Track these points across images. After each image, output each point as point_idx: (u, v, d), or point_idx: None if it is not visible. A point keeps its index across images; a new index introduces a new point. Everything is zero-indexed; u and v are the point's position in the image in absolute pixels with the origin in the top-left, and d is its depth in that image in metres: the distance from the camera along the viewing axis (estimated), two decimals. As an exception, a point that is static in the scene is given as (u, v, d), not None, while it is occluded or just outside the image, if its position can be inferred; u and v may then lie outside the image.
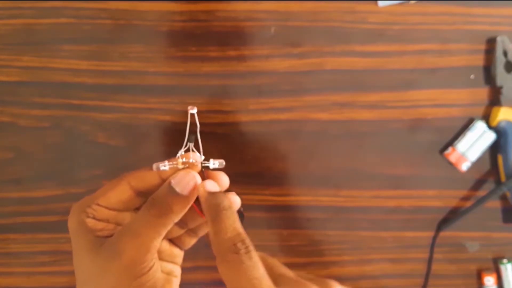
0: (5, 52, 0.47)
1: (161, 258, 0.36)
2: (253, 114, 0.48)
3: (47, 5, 0.47)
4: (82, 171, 0.48)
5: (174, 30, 0.47)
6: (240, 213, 0.34)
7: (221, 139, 0.48)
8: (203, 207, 0.32)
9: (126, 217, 0.34)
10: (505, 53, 0.47)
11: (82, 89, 0.47)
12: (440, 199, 0.49)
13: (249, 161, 0.48)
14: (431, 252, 0.49)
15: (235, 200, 0.33)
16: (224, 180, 0.34)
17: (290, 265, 0.50)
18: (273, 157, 0.48)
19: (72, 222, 0.32)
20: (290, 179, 0.49)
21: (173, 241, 0.37)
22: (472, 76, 0.48)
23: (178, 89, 0.47)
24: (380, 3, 0.47)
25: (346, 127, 0.48)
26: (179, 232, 0.36)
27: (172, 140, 0.48)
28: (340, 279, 0.50)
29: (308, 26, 0.47)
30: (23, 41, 0.47)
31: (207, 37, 0.47)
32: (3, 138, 0.48)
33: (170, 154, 0.48)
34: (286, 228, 0.49)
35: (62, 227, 0.48)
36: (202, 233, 0.37)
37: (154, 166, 0.32)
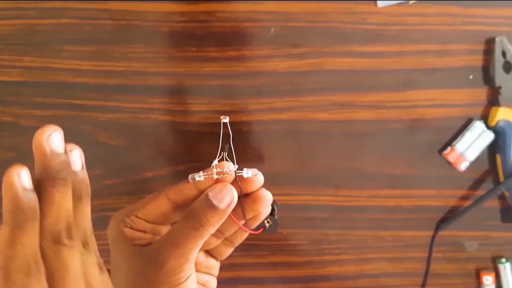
0: (7, 52, 0.47)
1: (197, 270, 0.37)
2: (253, 114, 0.48)
3: (49, 6, 0.47)
4: (83, 170, 0.48)
5: (175, 31, 0.47)
6: (272, 207, 0.35)
7: (221, 139, 0.48)
8: None
9: (163, 228, 0.35)
10: (503, 54, 0.47)
11: (83, 89, 0.48)
12: (439, 198, 0.49)
13: (249, 161, 0.48)
14: (430, 251, 0.50)
15: (267, 195, 0.35)
16: (259, 179, 0.35)
17: (290, 265, 0.50)
18: (273, 157, 0.49)
19: (111, 231, 0.34)
20: (290, 179, 0.49)
21: (209, 252, 0.38)
22: (471, 77, 0.48)
23: (179, 89, 0.48)
24: (379, 4, 0.47)
25: (345, 127, 0.48)
26: (215, 242, 0.37)
27: (173, 140, 0.48)
28: (339, 278, 0.51)
29: (308, 27, 0.47)
30: (25, 41, 0.47)
31: (208, 37, 0.47)
32: (4, 138, 0.48)
33: (171, 154, 0.49)
34: (286, 227, 0.50)
35: (63, 226, 0.49)
36: (238, 242, 0.38)
37: (190, 177, 0.33)
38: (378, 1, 0.47)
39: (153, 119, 0.48)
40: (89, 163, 0.49)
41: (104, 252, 0.34)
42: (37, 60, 0.47)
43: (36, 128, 0.49)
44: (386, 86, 0.48)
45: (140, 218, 0.34)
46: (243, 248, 0.49)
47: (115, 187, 0.49)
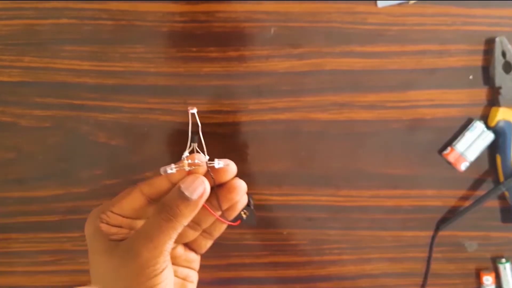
0: (7, 52, 0.47)
1: (177, 263, 0.37)
2: (253, 114, 0.48)
3: (48, 6, 0.47)
4: (83, 171, 0.49)
5: (175, 31, 0.47)
6: (248, 200, 0.35)
7: (221, 139, 0.48)
8: None
9: (139, 222, 0.35)
10: (503, 54, 0.47)
11: (83, 90, 0.48)
12: (439, 198, 0.49)
13: (249, 161, 0.49)
14: (430, 251, 0.50)
15: (241, 184, 0.35)
16: (232, 168, 0.35)
17: (290, 265, 0.50)
18: (273, 157, 0.49)
19: (88, 227, 0.34)
20: (290, 179, 0.49)
21: (189, 245, 0.38)
22: (471, 77, 0.48)
23: (179, 89, 0.48)
24: (379, 4, 0.47)
25: (345, 127, 0.48)
26: (194, 235, 0.37)
27: (173, 140, 0.48)
28: (339, 278, 0.51)
29: (308, 27, 0.47)
30: (25, 41, 0.47)
31: (208, 37, 0.47)
32: (4, 138, 0.48)
33: (171, 154, 0.49)
34: (286, 227, 0.50)
35: (63, 226, 0.49)
36: (217, 233, 0.38)
37: (162, 169, 0.33)
38: (378, 1, 0.47)
39: (153, 119, 0.48)
40: (89, 163, 0.49)
41: (86, 252, 0.34)
42: (36, 60, 0.47)
43: (36, 128, 0.49)
44: (386, 86, 0.48)
45: (115, 213, 0.34)
46: (243, 248, 0.50)
47: (115, 187, 0.49)
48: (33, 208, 0.49)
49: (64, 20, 0.47)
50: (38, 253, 0.49)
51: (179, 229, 0.33)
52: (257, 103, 0.48)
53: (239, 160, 0.48)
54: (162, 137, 0.48)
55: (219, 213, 0.35)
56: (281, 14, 0.47)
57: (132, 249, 0.32)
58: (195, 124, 0.35)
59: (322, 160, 0.49)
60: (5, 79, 0.47)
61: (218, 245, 0.49)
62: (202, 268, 0.49)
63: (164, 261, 0.32)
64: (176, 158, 0.49)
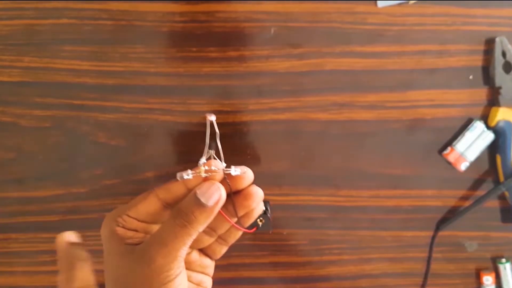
0: (7, 52, 0.47)
1: (191, 269, 0.37)
2: (253, 114, 0.48)
3: (49, 6, 0.47)
4: (83, 171, 0.49)
5: (175, 31, 0.47)
6: (265, 207, 0.35)
7: (221, 139, 0.48)
8: (58, 256, 0.35)
9: (155, 227, 0.35)
10: (503, 54, 0.47)
11: (83, 90, 0.48)
12: (439, 198, 0.49)
13: (249, 161, 0.49)
14: (430, 251, 0.50)
15: (257, 191, 0.34)
16: (248, 176, 0.34)
17: (290, 265, 0.50)
18: (273, 157, 0.49)
19: (104, 230, 0.34)
20: (290, 179, 0.49)
21: (203, 251, 0.38)
22: (471, 77, 0.48)
23: (179, 89, 0.48)
24: (379, 4, 0.47)
25: (345, 127, 0.48)
26: (209, 240, 0.37)
27: (173, 140, 0.48)
28: (339, 278, 0.51)
29: (308, 27, 0.47)
30: (25, 41, 0.47)
31: (208, 37, 0.47)
32: (4, 138, 0.48)
33: (171, 154, 0.49)
34: (285, 227, 0.50)
35: (63, 226, 0.49)
36: (232, 240, 0.38)
37: (178, 175, 0.33)
38: (378, 1, 0.47)
39: (153, 119, 0.48)
40: (89, 163, 0.49)
41: (98, 252, 0.34)
42: (37, 60, 0.47)
43: (36, 128, 0.49)
44: (386, 86, 0.48)
45: (131, 217, 0.34)
46: (243, 248, 0.50)
47: (115, 187, 0.49)
48: (33, 208, 0.49)
49: (64, 20, 0.47)
50: (38, 253, 0.49)
51: (194, 235, 0.32)
52: (257, 103, 0.48)
53: (239, 160, 0.48)
54: (162, 137, 0.48)
55: (235, 219, 0.35)
56: (281, 14, 0.47)
57: (146, 254, 0.32)
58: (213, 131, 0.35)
59: (322, 160, 0.49)
60: (5, 79, 0.47)
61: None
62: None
63: (179, 267, 0.32)
64: (177, 158, 0.49)
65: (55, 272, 0.50)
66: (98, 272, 0.35)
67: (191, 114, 0.48)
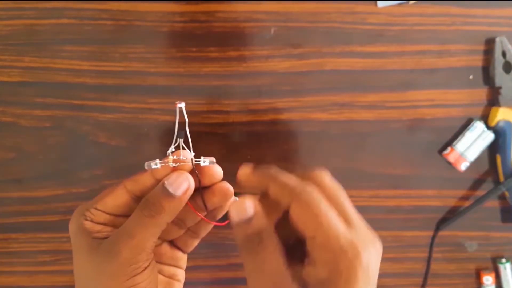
0: (7, 52, 0.47)
1: (163, 261, 0.36)
2: (253, 114, 0.48)
3: (49, 6, 0.47)
4: (83, 171, 0.48)
5: (175, 31, 0.47)
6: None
7: (222, 139, 0.48)
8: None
9: (124, 220, 0.34)
10: (503, 54, 0.47)
11: (83, 90, 0.48)
12: (439, 198, 0.49)
13: (249, 161, 0.48)
14: (430, 251, 0.50)
15: (228, 188, 0.34)
16: (218, 171, 0.34)
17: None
18: (273, 157, 0.49)
19: (72, 225, 0.33)
20: (290, 179, 0.49)
21: (175, 243, 0.37)
22: (471, 77, 0.48)
23: (179, 89, 0.48)
24: (379, 4, 0.47)
25: (345, 127, 0.48)
26: (179, 232, 0.36)
27: (173, 140, 0.48)
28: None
29: (308, 27, 0.47)
30: (25, 41, 0.47)
31: (208, 37, 0.47)
32: (4, 138, 0.48)
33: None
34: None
35: (63, 226, 0.49)
36: (203, 233, 0.37)
37: (146, 164, 0.33)
38: (378, 1, 0.47)
39: (153, 119, 0.48)
40: (89, 163, 0.49)
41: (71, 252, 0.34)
42: (37, 60, 0.47)
43: (36, 128, 0.49)
44: (386, 86, 0.48)
45: (99, 210, 0.33)
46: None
47: (115, 187, 0.49)
48: (33, 208, 0.49)
49: (64, 20, 0.47)
50: (38, 253, 0.49)
51: (162, 226, 0.32)
52: (257, 103, 0.48)
53: (239, 160, 0.48)
54: (162, 137, 0.48)
55: (204, 213, 0.35)
56: (281, 14, 0.47)
57: (113, 247, 0.31)
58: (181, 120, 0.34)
59: (322, 160, 0.49)
60: (5, 79, 0.47)
61: (218, 245, 0.49)
62: (202, 268, 0.49)
63: (147, 259, 0.31)
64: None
65: (55, 272, 0.50)
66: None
67: (191, 114, 0.48)
